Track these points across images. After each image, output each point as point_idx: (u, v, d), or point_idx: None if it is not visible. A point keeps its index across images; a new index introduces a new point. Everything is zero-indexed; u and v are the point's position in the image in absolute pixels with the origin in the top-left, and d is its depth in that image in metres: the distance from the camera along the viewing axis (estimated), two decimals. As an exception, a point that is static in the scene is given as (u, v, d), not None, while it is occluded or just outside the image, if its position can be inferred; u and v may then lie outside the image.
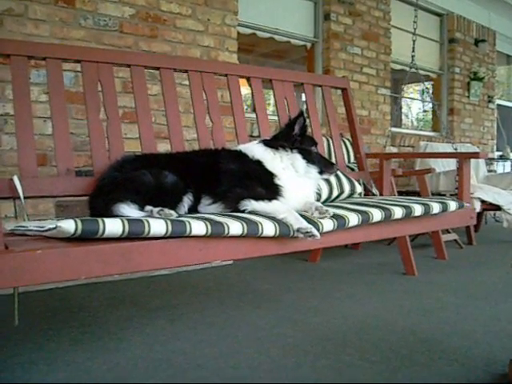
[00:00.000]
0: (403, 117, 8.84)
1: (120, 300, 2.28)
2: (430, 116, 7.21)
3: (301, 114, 1.76)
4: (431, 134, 5.61)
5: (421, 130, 6.91)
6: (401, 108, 7.78)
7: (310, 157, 1.75)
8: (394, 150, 4.79)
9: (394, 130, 5.01)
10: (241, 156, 1.73)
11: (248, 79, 2.36)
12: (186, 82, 2.44)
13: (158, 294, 2.39)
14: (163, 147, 2.72)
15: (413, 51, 4.12)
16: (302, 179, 1.73)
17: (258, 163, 1.70)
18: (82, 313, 2.07)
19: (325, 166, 1.79)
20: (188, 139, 2.84)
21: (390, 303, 2.21)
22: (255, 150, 1.75)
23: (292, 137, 1.75)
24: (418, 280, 2.68)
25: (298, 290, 2.45)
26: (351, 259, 3.30)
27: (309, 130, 2.71)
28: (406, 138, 4.99)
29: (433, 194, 3.60)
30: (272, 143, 1.76)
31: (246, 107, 5.98)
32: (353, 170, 3.19)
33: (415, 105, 9.22)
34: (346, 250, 3.61)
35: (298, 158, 1.73)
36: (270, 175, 1.67)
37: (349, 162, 3.57)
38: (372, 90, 4.66)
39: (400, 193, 3.75)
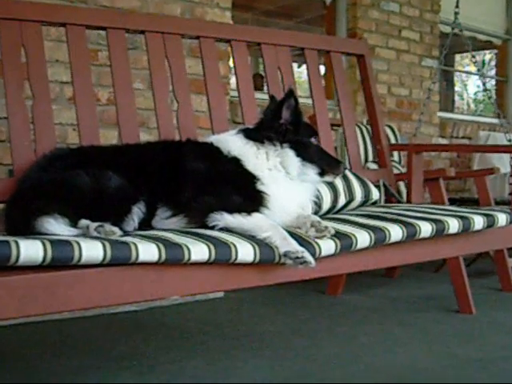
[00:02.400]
0: (456, 97, 8.67)
1: (71, 345, 2.26)
2: (492, 97, 7.14)
3: (290, 93, 1.75)
4: (494, 121, 5.33)
5: (480, 115, 6.84)
6: (453, 86, 7.68)
7: (307, 152, 1.74)
8: (444, 142, 4.75)
9: (443, 115, 4.99)
10: (212, 151, 1.72)
11: (228, 43, 2.35)
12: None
13: (121, 337, 2.38)
14: (111, 138, 2.71)
15: (456, 6, 4.12)
16: (294, 184, 1.73)
17: (235, 161, 1.69)
18: (18, 362, 2.05)
19: (328, 164, 1.78)
20: (149, 126, 2.83)
21: (436, 351, 2.19)
22: (232, 143, 1.74)
23: (280, 126, 1.74)
24: (476, 320, 2.66)
25: (312, 333, 2.43)
26: (384, 291, 3.29)
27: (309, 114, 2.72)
28: (461, 127, 4.96)
29: (497, 203, 3.50)
30: (255, 134, 1.75)
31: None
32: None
33: (473, 81, 9.05)
34: (376, 279, 3.58)
35: (289, 155, 1.72)
36: (251, 178, 1.67)
37: (369, 159, 3.55)
38: (414, 60, 4.66)
39: (452, 201, 3.70)
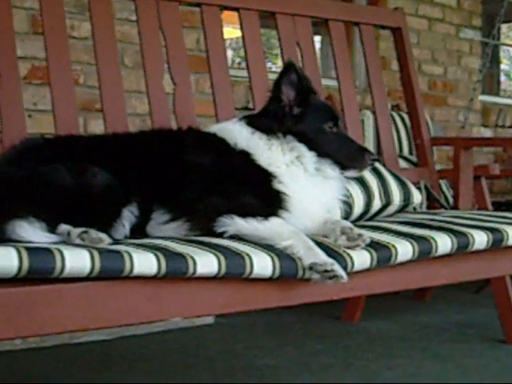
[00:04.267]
0: (503, 77, 8.64)
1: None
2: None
3: (289, 66, 1.77)
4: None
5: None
6: (498, 63, 7.66)
7: (320, 144, 1.75)
8: (488, 133, 4.79)
9: (486, 99, 5.02)
10: (217, 143, 1.74)
11: (237, 11, 2.38)
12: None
13: (86, 374, 2.38)
14: (94, 126, 2.73)
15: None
16: (317, 181, 1.75)
17: (245, 156, 1.72)
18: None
19: (348, 155, 1.77)
20: (139, 112, 2.85)
21: (478, 390, 2.22)
22: (237, 132, 1.76)
23: (282, 109, 1.76)
24: (525, 352, 2.70)
25: (324, 368, 2.44)
26: (413, 316, 3.29)
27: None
28: (508, 114, 4.99)
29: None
30: (256, 122, 1.78)
31: (238, 61, 5.89)
32: (414, 164, 3.18)
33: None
34: (403, 301, 3.59)
35: (301, 150, 1.74)
36: (265, 175, 1.69)
37: (409, 152, 3.58)
38: (450, 31, 4.68)
39: (496, 205, 3.70)
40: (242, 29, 2.39)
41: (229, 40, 4.50)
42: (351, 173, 1.81)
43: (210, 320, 3.04)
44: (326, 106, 1.91)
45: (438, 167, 3.40)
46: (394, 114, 3.61)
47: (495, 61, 5.92)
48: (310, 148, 1.74)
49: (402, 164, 3.29)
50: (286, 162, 1.73)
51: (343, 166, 1.78)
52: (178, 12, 2.24)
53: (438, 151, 3.68)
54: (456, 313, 3.39)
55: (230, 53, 4.07)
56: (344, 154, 1.78)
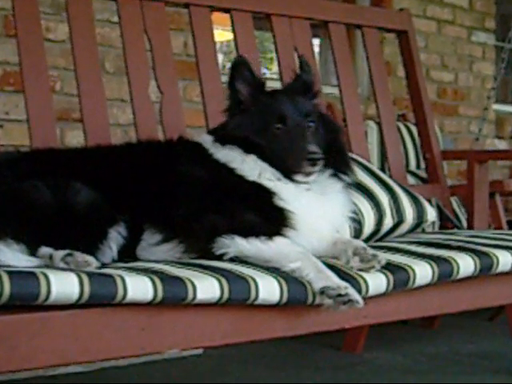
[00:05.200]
0: None
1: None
2: None
3: (238, 61, 1.80)
4: None
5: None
6: None
7: (263, 145, 1.72)
8: (502, 145, 4.83)
9: (500, 108, 5.04)
10: (210, 155, 1.75)
11: (229, 13, 2.40)
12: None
13: None
14: (72, 138, 2.73)
15: None
16: (318, 196, 1.74)
17: (229, 170, 1.71)
18: None
19: (293, 157, 1.70)
20: (120, 123, 2.85)
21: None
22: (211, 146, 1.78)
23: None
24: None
25: None
26: (420, 346, 3.28)
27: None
28: (524, 125, 5.03)
29: None
30: (217, 133, 1.80)
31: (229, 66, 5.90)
32: (423, 180, 3.20)
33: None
34: (408, 330, 3.56)
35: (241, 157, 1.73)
36: (265, 192, 1.69)
37: (417, 166, 3.61)
38: (462, 34, 4.71)
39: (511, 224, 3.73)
40: (233, 32, 2.41)
41: (219, 43, 4.53)
42: (299, 177, 1.72)
43: (198, 350, 3.01)
44: (275, 104, 1.81)
45: (448, 183, 3.44)
46: (400, 125, 3.62)
47: (511, 66, 5.93)
48: (251, 151, 1.73)
49: (410, 180, 3.32)
50: (278, 176, 1.72)
51: (289, 171, 1.72)
52: (164, 13, 2.25)
53: (447, 165, 3.69)
54: (467, 342, 3.38)
55: (220, 57, 4.08)
56: (288, 156, 1.72)
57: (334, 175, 1.79)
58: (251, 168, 1.71)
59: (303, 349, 3.16)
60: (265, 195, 1.69)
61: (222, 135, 1.77)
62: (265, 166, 1.72)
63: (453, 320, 3.66)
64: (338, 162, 1.82)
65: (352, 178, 1.86)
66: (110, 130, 2.09)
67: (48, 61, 2.08)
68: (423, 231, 2.38)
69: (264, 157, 1.72)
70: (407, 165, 3.56)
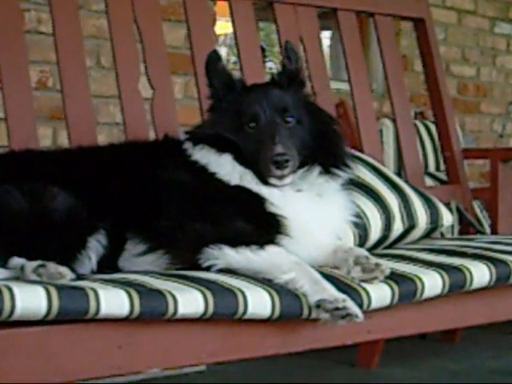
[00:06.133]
0: None
1: None
2: None
3: (212, 55, 1.78)
4: None
5: None
6: None
7: (237, 146, 1.72)
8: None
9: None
10: (188, 156, 1.75)
11: (228, 1, 2.37)
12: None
13: None
14: (65, 137, 2.72)
15: None
16: (315, 200, 1.73)
17: (209, 173, 1.71)
18: None
19: (264, 160, 1.67)
20: (118, 121, 2.84)
21: None
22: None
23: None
24: None
25: None
26: (440, 362, 3.29)
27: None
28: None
29: None
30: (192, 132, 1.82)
31: (234, 60, 6.01)
32: (442, 183, 3.18)
33: None
34: (429, 345, 3.58)
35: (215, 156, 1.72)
36: (252, 196, 1.69)
37: (436, 168, 3.60)
38: (484, 26, 4.70)
39: None
40: (233, 22, 2.40)
41: (223, 36, 4.53)
42: (273, 181, 1.70)
43: (201, 367, 3.01)
44: (248, 101, 1.79)
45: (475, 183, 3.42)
46: (418, 123, 3.63)
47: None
48: (224, 150, 1.72)
49: (429, 182, 3.31)
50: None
51: (262, 174, 1.71)
52: (157, 2, 2.25)
53: (469, 167, 3.67)
54: (489, 357, 3.39)
55: (223, 50, 4.06)
56: (258, 159, 1.70)
57: (328, 172, 1.76)
58: (230, 171, 1.71)
59: (315, 364, 3.17)
60: (252, 200, 1.70)
61: (194, 134, 1.79)
62: (242, 168, 1.71)
63: (474, 334, 3.68)
64: (330, 156, 1.79)
65: (349, 173, 1.84)
66: (95, 129, 2.08)
67: (39, 55, 2.08)
68: (442, 237, 2.36)
69: (240, 157, 1.72)
70: (426, 166, 3.57)
